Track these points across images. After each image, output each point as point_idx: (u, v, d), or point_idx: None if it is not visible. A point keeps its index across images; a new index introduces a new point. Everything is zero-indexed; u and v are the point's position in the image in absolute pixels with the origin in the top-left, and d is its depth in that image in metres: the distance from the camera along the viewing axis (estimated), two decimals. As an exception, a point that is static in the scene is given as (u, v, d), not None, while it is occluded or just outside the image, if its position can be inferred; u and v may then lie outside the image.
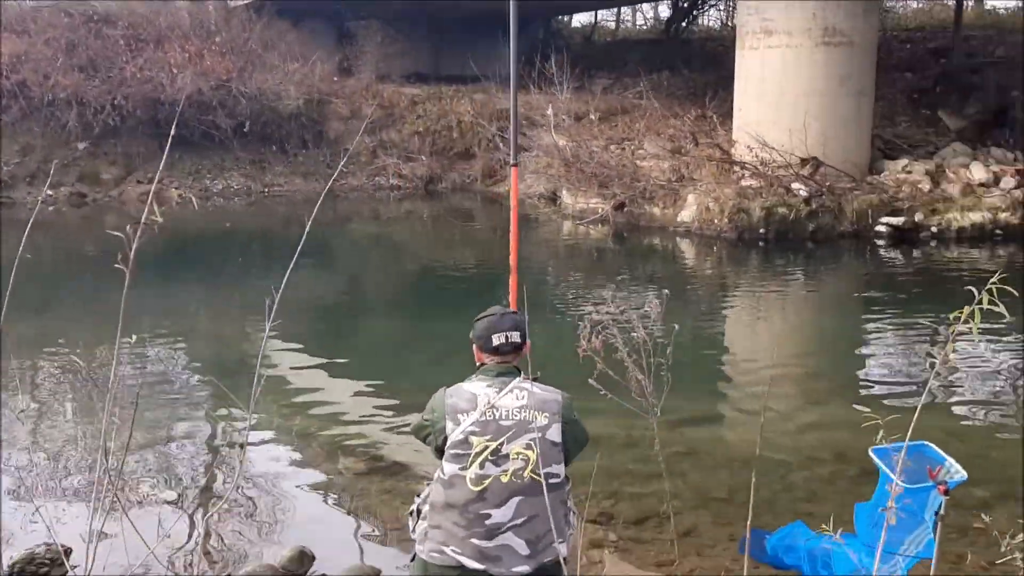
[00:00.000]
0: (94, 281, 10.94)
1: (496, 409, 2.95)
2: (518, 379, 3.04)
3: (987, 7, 23.81)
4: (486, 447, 2.93)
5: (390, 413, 6.74)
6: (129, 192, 17.19)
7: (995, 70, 17.89)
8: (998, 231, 12.78)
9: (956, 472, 3.70)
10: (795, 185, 13.28)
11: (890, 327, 9.46)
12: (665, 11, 26.91)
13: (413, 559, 3.18)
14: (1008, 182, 13.74)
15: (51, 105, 16.57)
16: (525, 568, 2.99)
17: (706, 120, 16.44)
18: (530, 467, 2.93)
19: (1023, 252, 12.60)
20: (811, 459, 6.07)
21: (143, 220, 2.49)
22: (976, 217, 12.82)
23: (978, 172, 14.11)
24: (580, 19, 29.28)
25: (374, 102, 19.82)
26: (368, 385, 7.45)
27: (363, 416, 6.72)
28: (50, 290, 10.80)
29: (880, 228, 12.95)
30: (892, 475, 3.74)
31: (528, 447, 2.93)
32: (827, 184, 13.49)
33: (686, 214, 13.89)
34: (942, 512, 3.74)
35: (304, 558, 4.50)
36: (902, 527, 3.93)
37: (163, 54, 17.99)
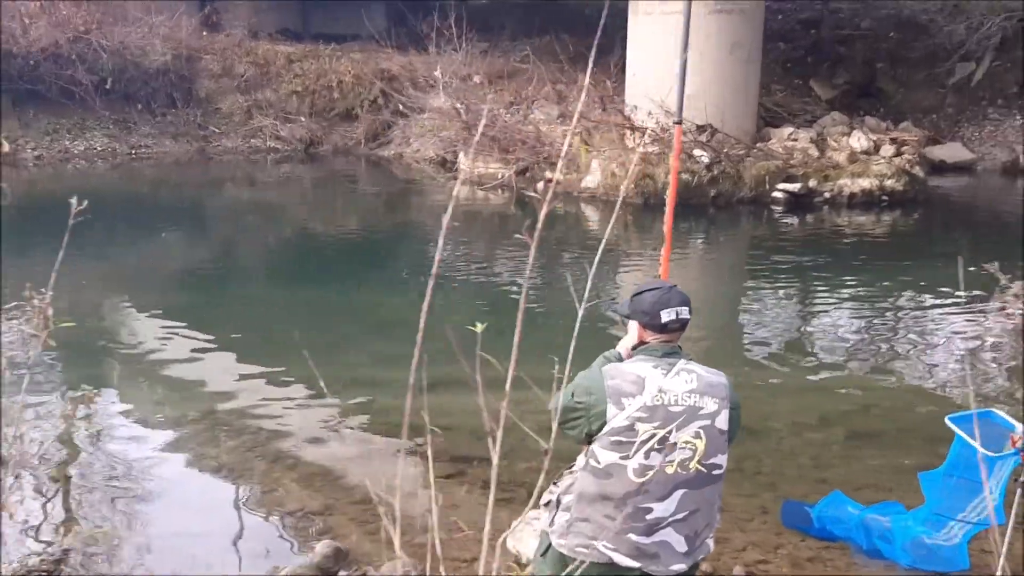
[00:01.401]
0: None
1: (664, 393, 2.72)
2: (683, 360, 2.83)
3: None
4: (653, 435, 2.71)
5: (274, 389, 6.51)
6: (-22, 154, 15.56)
7: (862, 42, 18.82)
8: (884, 197, 13.47)
9: (1027, 435, 3.80)
10: (697, 152, 13.51)
11: (782, 289, 9.92)
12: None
13: (545, 553, 2.94)
14: (887, 150, 14.50)
15: None
16: (682, 566, 2.81)
17: (596, 86, 16.45)
18: (697, 457, 2.73)
19: (905, 217, 13.40)
20: (796, 424, 6.20)
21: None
22: (865, 184, 13.45)
23: (858, 141, 14.80)
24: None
25: (248, 59, 18.72)
26: (244, 359, 7.16)
27: (240, 392, 6.42)
28: None
29: (777, 194, 13.39)
30: (974, 443, 3.80)
31: (697, 435, 2.72)
32: (724, 151, 13.80)
33: (591, 179, 13.90)
34: (1022, 479, 3.83)
35: (339, 555, 4.17)
36: (966, 495, 4.02)
37: (11, 2, 16.28)
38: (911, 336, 8.30)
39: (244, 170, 17.48)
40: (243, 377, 6.85)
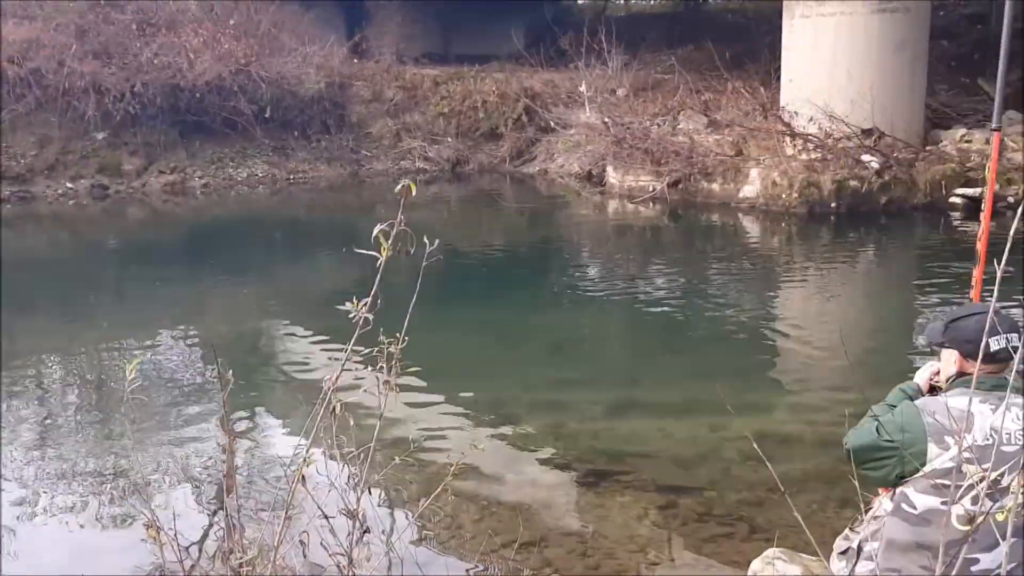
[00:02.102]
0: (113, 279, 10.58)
1: (996, 432, 2.43)
2: (1013, 394, 2.53)
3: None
4: (983, 478, 2.43)
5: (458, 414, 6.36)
6: (152, 183, 16.40)
7: (1034, 35, 17.58)
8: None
9: None
10: (865, 157, 12.87)
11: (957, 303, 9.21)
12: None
13: None
14: (1076, 148, 13.42)
15: (67, 94, 15.70)
16: None
17: (747, 93, 15.95)
18: None
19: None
20: None
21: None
22: (1053, 186, 12.49)
23: (1042, 139, 13.78)
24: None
25: (396, 84, 19.13)
26: (420, 384, 7.02)
27: (422, 418, 6.28)
28: (68, 288, 10.35)
29: (954, 199, 12.59)
30: None
31: None
32: (894, 155, 13.10)
33: (749, 189, 13.45)
34: None
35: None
36: None
37: (177, 39, 17.15)
38: None
39: (394, 192, 17.76)
40: (423, 405, 6.79)
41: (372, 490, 5.38)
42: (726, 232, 13.19)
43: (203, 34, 17.48)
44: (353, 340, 2.38)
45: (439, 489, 2.87)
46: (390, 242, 2.31)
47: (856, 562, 2.63)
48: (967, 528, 2.42)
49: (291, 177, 17.83)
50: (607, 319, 9.21)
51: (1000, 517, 2.41)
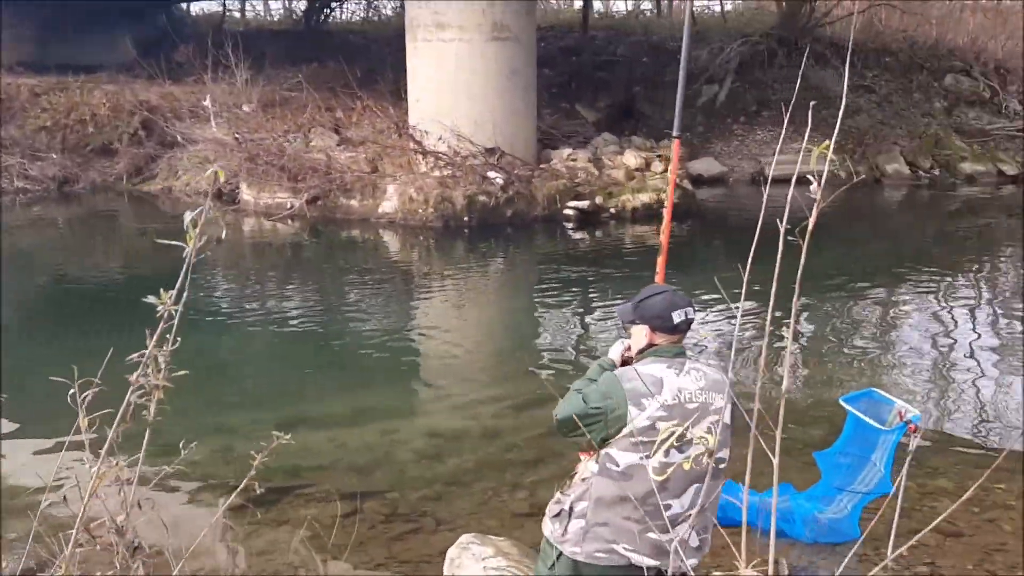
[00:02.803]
0: None
1: (681, 391, 2.80)
2: (689, 360, 2.93)
3: (613, 9, 26.68)
4: (672, 433, 2.79)
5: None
6: None
7: (619, 67, 20.11)
8: (662, 209, 14.40)
9: (910, 411, 4.24)
10: (491, 173, 13.84)
11: (571, 301, 10.43)
12: (302, 2, 26.30)
13: (554, 565, 2.92)
14: (657, 166, 15.55)
15: None
16: (694, 561, 2.89)
17: (379, 112, 16.40)
18: (708, 452, 2.85)
19: (679, 226, 14.42)
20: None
21: None
22: (645, 198, 14.36)
23: (630, 158, 15.76)
24: (203, 7, 27.54)
25: (-13, 93, 16.95)
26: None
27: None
28: None
29: (568, 211, 13.98)
30: (868, 420, 4.19)
31: (709, 431, 2.82)
32: (515, 172, 14.24)
33: (388, 205, 13.83)
34: (912, 448, 4.26)
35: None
36: (855, 469, 4.41)
37: None
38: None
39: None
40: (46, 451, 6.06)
41: None
42: (367, 247, 13.45)
43: None
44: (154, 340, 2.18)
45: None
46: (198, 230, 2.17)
47: (569, 522, 2.88)
48: (662, 478, 2.78)
49: None
50: (255, 339, 9.00)
51: (686, 466, 2.82)
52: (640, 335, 2.96)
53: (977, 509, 4.93)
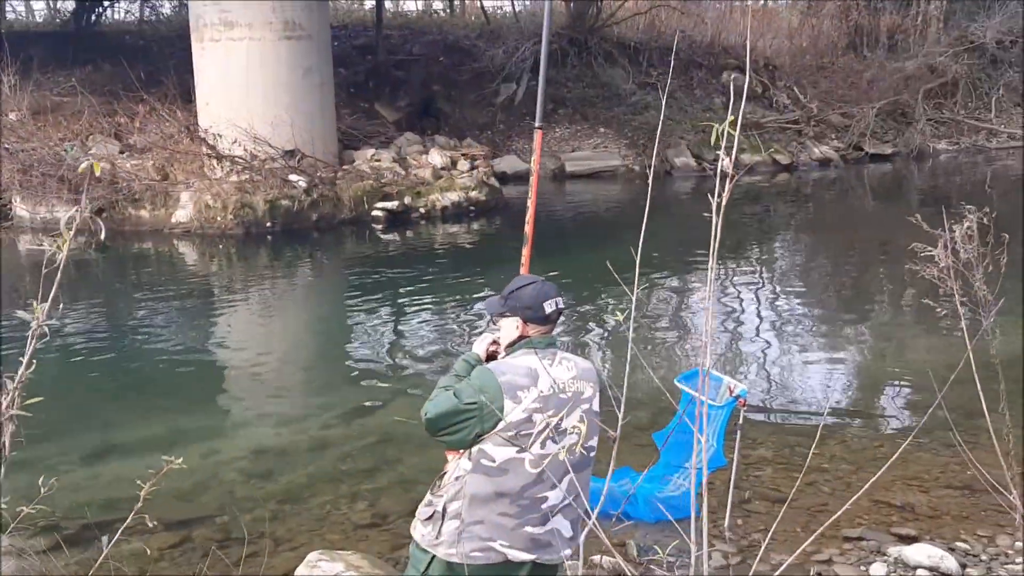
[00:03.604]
0: None
1: (556, 382, 2.76)
2: (559, 350, 2.89)
3: (405, 8, 26.43)
4: (547, 424, 2.74)
5: None
6: None
7: (416, 66, 20.03)
8: (471, 208, 14.52)
9: (738, 386, 4.43)
10: (293, 177, 13.39)
11: (384, 304, 10.28)
12: (69, 2, 24.35)
13: (427, 569, 2.82)
14: (464, 164, 15.62)
15: None
16: (568, 551, 2.87)
17: (167, 116, 15.49)
18: (581, 441, 2.82)
19: (489, 223, 14.57)
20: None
21: None
22: (453, 197, 14.36)
23: (436, 158, 15.75)
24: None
25: None
26: None
27: None
28: None
29: (376, 213, 13.76)
30: (702, 396, 4.32)
31: (581, 420, 2.81)
32: (318, 174, 13.86)
33: (183, 214, 13.07)
34: (741, 422, 4.45)
35: None
36: (689, 446, 4.56)
37: None
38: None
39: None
40: None
41: None
42: (162, 260, 12.66)
43: None
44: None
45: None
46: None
47: (442, 523, 2.78)
48: (538, 470, 2.73)
49: None
50: (46, 369, 8.21)
51: (562, 456, 2.79)
52: (511, 327, 2.89)
53: (796, 474, 5.25)
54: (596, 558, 4.20)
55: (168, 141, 14.45)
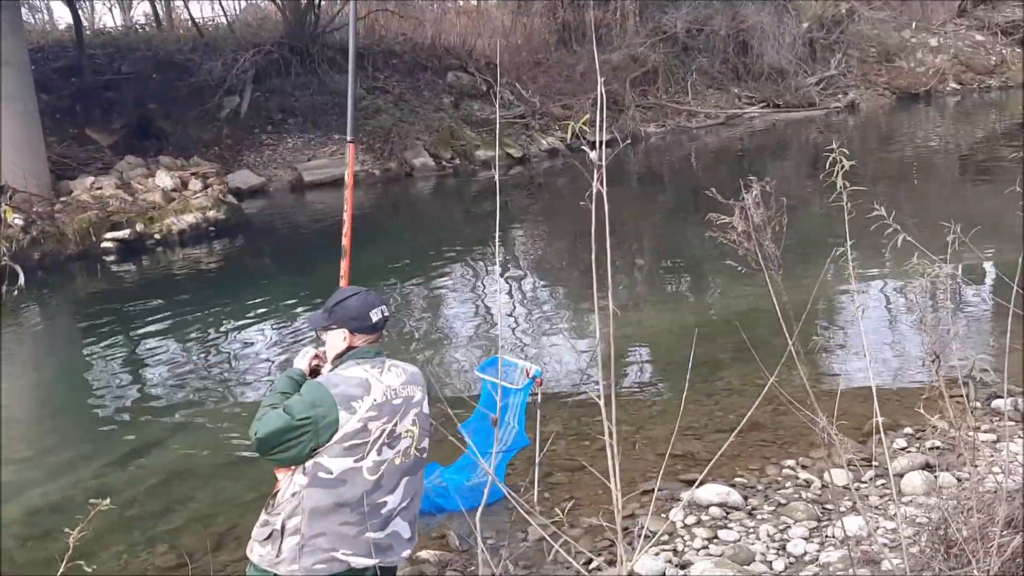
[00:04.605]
0: None
1: (388, 389, 2.81)
2: (387, 357, 2.91)
3: (102, 25, 24.50)
4: (383, 430, 2.77)
5: None
6: None
7: (127, 85, 18.82)
8: (212, 228, 13.90)
9: (532, 368, 4.66)
10: (9, 216, 12.18)
11: (130, 341, 9.56)
12: None
13: None
14: (196, 184, 14.90)
15: None
16: (407, 552, 2.94)
17: None
18: (415, 443, 2.89)
19: (231, 243, 14.02)
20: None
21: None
22: (190, 219, 13.68)
23: (163, 180, 14.92)
24: None
25: None
26: None
27: None
28: None
29: (106, 244, 12.84)
30: (498, 381, 4.51)
31: (413, 423, 2.88)
32: (33, 209, 12.70)
33: None
34: (539, 400, 4.68)
35: None
36: (491, 431, 4.75)
37: None
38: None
39: None
40: None
41: None
42: None
43: None
44: None
45: None
46: None
47: (282, 541, 2.73)
48: (376, 476, 2.76)
49: None
50: None
51: (397, 461, 2.84)
52: (338, 340, 2.89)
53: (588, 443, 5.59)
54: (420, 554, 4.26)
55: None
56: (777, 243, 2.55)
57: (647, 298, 9.72)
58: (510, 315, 9.22)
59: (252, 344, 8.97)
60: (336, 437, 2.70)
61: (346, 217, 3.89)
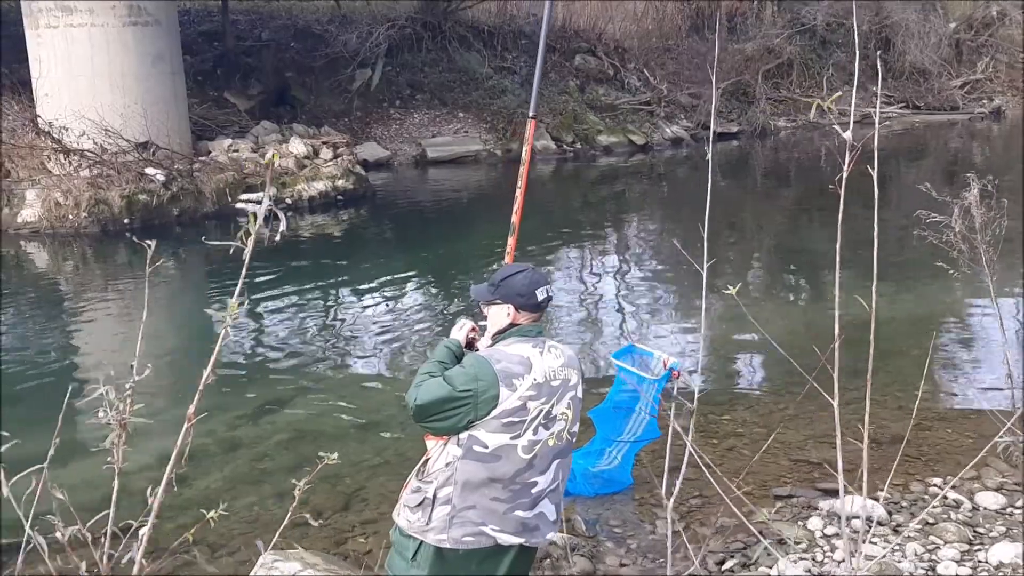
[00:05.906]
0: None
1: (548, 370, 2.78)
2: (547, 337, 2.89)
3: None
4: (540, 411, 2.75)
5: None
6: None
7: (267, 52, 19.36)
8: (339, 196, 14.21)
9: (670, 359, 4.55)
10: (149, 170, 12.71)
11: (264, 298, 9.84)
12: None
13: (415, 555, 2.77)
14: (327, 153, 15.24)
15: None
16: (552, 535, 2.91)
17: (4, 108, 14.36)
18: (568, 426, 2.86)
19: (358, 213, 14.31)
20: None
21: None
22: (320, 186, 14.01)
23: (297, 146, 15.29)
24: None
25: None
26: None
27: None
28: None
29: (241, 205, 13.25)
30: (640, 372, 4.42)
31: (568, 406, 2.84)
32: (175, 167, 13.22)
33: (29, 213, 12.17)
34: (675, 393, 4.56)
35: None
36: (623, 420, 4.67)
37: None
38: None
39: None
40: None
41: None
42: (8, 264, 11.72)
43: None
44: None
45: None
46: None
47: (433, 509, 2.74)
48: (530, 456, 2.73)
49: None
50: None
51: (551, 443, 2.80)
52: (501, 315, 2.87)
53: (716, 441, 5.45)
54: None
55: (14, 135, 13.40)
56: (994, 247, 2.37)
57: (781, 296, 9.45)
58: (640, 304, 9.10)
59: (370, 315, 9.10)
60: (495, 412, 2.68)
61: (519, 194, 3.85)
